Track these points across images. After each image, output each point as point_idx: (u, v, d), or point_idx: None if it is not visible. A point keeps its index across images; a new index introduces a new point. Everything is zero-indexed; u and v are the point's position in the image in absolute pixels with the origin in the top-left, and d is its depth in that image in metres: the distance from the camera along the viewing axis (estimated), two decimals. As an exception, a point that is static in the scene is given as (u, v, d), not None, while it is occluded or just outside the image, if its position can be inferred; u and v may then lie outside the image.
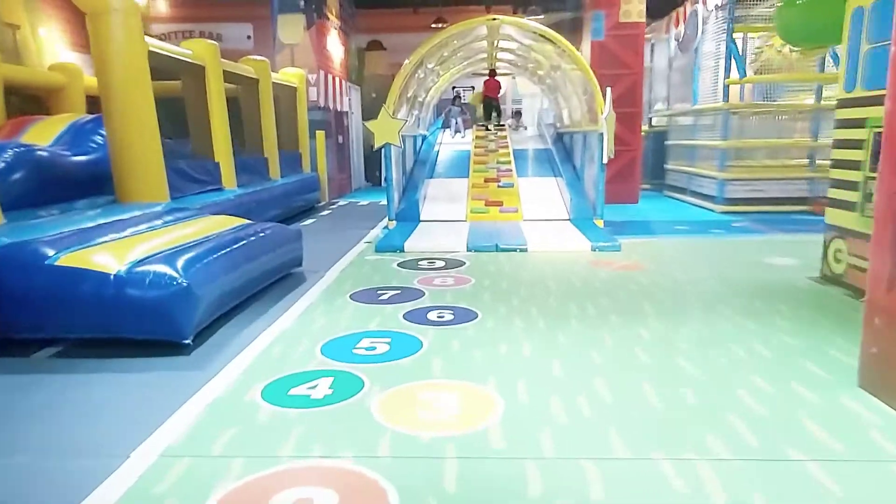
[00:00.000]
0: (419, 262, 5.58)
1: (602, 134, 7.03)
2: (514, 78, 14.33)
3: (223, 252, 3.91)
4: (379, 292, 4.53)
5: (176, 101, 6.77)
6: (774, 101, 8.89)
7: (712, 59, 8.79)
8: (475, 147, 10.64)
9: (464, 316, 3.89)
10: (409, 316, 3.90)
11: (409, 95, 8.16)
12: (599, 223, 7.31)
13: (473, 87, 13.46)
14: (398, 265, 5.49)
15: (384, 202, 7.55)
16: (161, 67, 5.66)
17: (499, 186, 8.72)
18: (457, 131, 11.62)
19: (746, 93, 9.20)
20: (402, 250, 6.09)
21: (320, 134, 10.62)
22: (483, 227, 7.09)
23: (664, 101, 11.94)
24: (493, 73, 12.49)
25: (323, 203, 10.54)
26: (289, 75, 9.28)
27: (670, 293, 4.41)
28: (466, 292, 4.51)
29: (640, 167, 9.96)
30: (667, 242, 6.49)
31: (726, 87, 8.24)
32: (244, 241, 4.31)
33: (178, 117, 6.82)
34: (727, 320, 3.74)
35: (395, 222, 7.46)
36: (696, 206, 9.39)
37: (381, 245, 6.18)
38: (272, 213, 7.78)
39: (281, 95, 9.02)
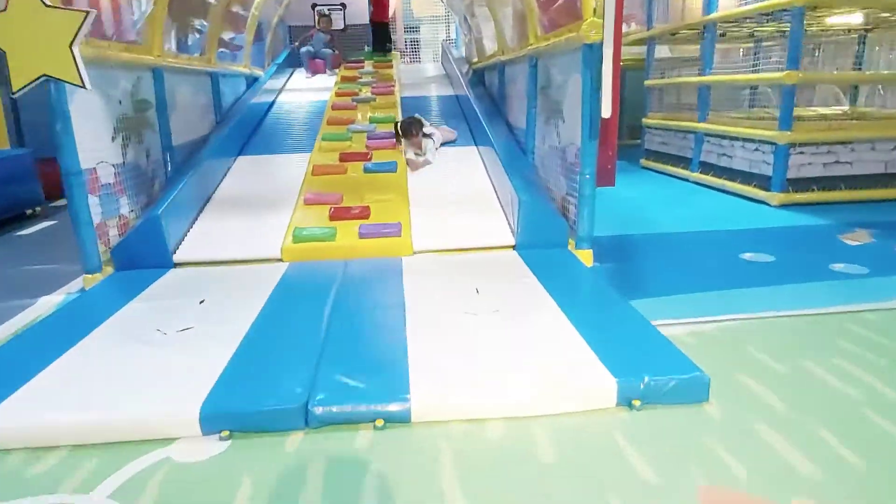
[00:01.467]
0: None
1: (601, 51, 2.84)
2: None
3: None
4: None
5: None
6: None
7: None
8: (336, 94, 6.15)
9: None
10: None
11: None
12: (586, 257, 3.19)
13: (344, 6, 8.68)
14: None
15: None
16: None
17: (367, 170, 4.36)
18: (313, 71, 7.05)
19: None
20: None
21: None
22: (311, 285, 2.76)
23: (627, 22, 7.95)
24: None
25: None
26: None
27: None
28: None
29: (616, 129, 5.85)
30: (775, 329, 2.42)
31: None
32: None
33: None
34: None
35: (102, 275, 3.01)
36: (720, 189, 5.46)
37: None
38: None
39: None
